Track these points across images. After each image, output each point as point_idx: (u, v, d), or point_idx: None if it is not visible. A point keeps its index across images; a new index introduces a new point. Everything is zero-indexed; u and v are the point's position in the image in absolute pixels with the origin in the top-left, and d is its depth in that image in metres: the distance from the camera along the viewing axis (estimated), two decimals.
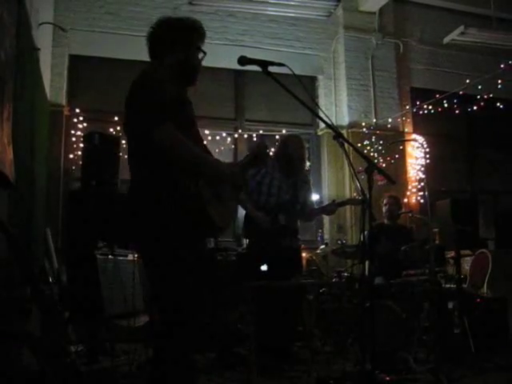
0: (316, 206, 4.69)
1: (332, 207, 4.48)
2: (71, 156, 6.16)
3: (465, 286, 5.20)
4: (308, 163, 4.52)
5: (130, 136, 2.33)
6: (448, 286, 4.73)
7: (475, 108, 7.08)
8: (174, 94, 2.24)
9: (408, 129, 7.44)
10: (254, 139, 6.98)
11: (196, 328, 2.18)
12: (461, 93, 6.87)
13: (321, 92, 7.39)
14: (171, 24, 2.43)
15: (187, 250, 2.18)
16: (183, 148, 2.18)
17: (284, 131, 7.01)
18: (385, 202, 5.39)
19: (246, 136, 6.99)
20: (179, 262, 2.16)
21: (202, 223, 2.21)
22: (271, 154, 4.65)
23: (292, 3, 6.94)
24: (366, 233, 2.86)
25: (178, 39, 2.39)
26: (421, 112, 7.18)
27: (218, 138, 6.76)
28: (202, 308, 2.21)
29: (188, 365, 2.15)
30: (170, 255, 2.16)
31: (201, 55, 2.46)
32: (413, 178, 7.29)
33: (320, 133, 7.30)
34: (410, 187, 7.22)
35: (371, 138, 7.04)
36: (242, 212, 4.27)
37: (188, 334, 2.14)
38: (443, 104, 7.03)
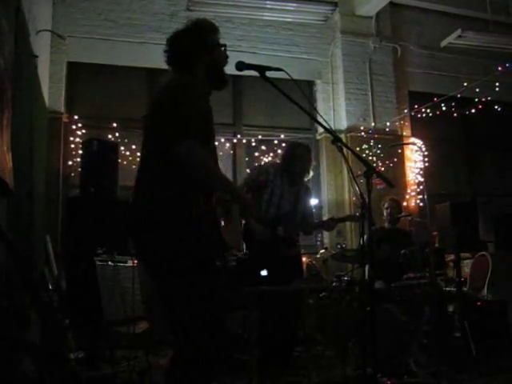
0: (315, 219, 4.67)
1: (331, 223, 4.44)
2: (70, 163, 6.16)
3: (465, 288, 5.19)
4: (312, 173, 4.47)
5: (149, 147, 2.30)
6: (448, 289, 4.73)
7: (473, 111, 7.11)
8: (201, 108, 2.23)
9: (406, 132, 7.46)
10: (253, 144, 7.00)
11: (208, 334, 2.17)
12: (458, 96, 6.88)
13: (319, 96, 7.40)
14: (183, 36, 2.39)
15: (190, 257, 2.17)
16: (204, 166, 2.17)
17: (282, 136, 7.03)
18: (386, 205, 5.39)
19: (244, 141, 7.00)
20: (184, 269, 2.13)
21: (214, 243, 2.20)
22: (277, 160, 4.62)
23: (289, 8, 6.96)
24: (365, 237, 2.86)
25: (196, 48, 2.36)
26: (419, 115, 7.20)
27: (216, 143, 6.74)
28: (211, 314, 2.18)
29: (195, 372, 2.14)
30: (174, 261, 2.14)
31: (222, 49, 2.43)
32: (412, 182, 7.30)
33: (318, 137, 7.31)
34: (409, 191, 7.23)
35: (370, 142, 7.05)
36: None
37: (207, 348, 2.12)
38: (441, 107, 7.05)
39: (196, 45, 2.36)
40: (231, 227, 2.31)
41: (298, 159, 4.26)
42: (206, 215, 2.17)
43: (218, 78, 2.43)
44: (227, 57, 2.46)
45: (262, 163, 6.66)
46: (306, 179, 4.42)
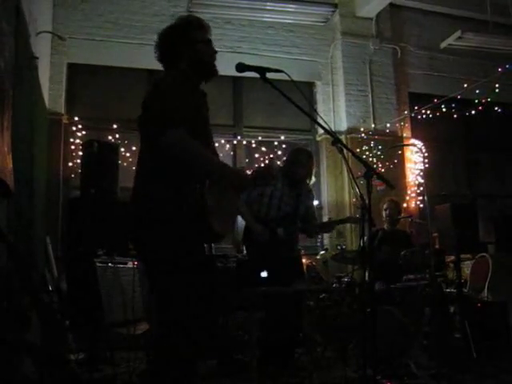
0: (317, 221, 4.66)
1: (328, 225, 4.43)
2: (70, 164, 6.16)
3: (465, 290, 5.19)
4: (314, 179, 4.47)
5: (143, 146, 2.36)
6: (448, 290, 4.72)
7: (473, 112, 7.11)
8: (187, 98, 2.25)
9: (406, 134, 7.45)
10: (253, 146, 7.00)
11: (200, 332, 2.17)
12: (458, 97, 6.88)
13: (319, 98, 7.40)
14: (168, 33, 2.44)
15: (188, 254, 2.17)
16: (192, 150, 2.19)
17: (283, 137, 7.03)
18: (385, 206, 5.39)
19: (244, 142, 7.00)
20: (181, 266, 2.15)
21: (202, 229, 2.20)
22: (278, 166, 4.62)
23: (289, 10, 6.97)
24: (365, 238, 2.86)
25: (179, 43, 2.40)
26: (419, 117, 7.20)
27: (216, 144, 6.73)
28: (206, 312, 2.19)
29: (189, 370, 2.14)
30: (172, 258, 2.15)
31: (210, 45, 2.46)
32: (412, 183, 7.29)
33: (319, 139, 7.31)
34: (409, 192, 7.23)
35: (370, 143, 7.05)
36: (242, 220, 4.25)
37: (191, 339, 2.13)
38: (441, 108, 7.05)
39: (178, 40, 2.40)
40: (222, 216, 2.29)
41: (300, 165, 4.28)
42: (196, 204, 2.17)
43: (203, 71, 2.45)
44: (215, 52, 2.47)
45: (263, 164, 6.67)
46: (308, 183, 4.43)
